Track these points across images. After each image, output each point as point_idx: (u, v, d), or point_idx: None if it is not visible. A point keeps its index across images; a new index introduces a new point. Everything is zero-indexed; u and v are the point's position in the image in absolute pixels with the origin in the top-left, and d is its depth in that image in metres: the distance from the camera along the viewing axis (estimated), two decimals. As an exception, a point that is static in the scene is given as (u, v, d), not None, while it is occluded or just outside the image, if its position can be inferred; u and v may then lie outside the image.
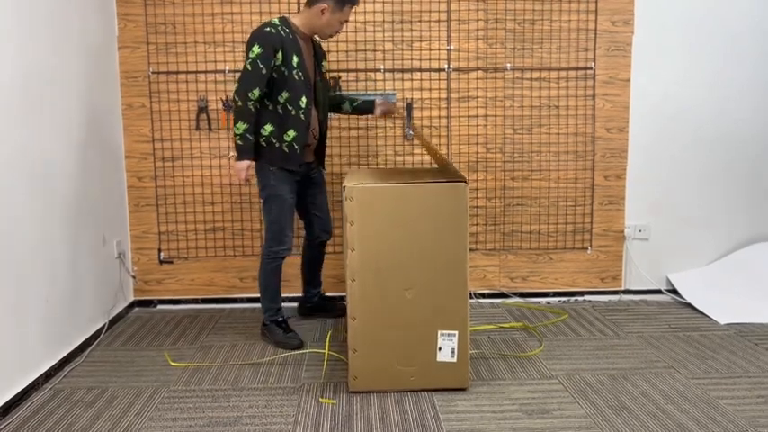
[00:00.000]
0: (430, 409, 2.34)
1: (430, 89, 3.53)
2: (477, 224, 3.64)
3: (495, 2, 3.50)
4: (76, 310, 2.92)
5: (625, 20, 3.52)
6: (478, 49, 3.53)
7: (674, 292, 3.65)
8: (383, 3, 3.47)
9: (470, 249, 3.60)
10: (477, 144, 3.59)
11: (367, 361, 2.44)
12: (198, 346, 3.01)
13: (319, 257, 3.32)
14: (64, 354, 2.77)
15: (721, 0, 3.53)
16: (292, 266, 3.57)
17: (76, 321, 2.91)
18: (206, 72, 3.48)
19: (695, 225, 3.69)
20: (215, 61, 3.47)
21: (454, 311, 2.42)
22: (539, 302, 3.64)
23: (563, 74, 3.55)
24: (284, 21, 2.84)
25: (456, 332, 2.43)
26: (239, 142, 2.78)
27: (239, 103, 2.75)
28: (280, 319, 3.02)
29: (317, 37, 2.98)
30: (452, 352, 2.44)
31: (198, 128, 3.51)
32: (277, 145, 2.86)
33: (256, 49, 2.73)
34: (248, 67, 2.74)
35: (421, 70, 3.51)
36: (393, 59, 3.51)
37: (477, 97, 3.56)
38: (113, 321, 3.29)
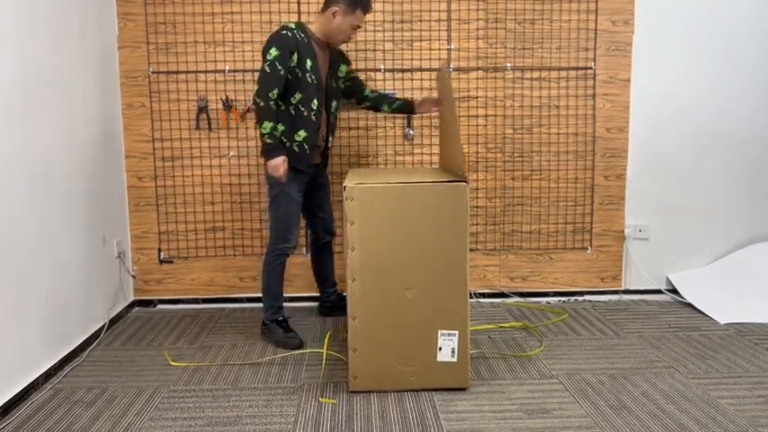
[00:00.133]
0: (430, 408, 2.34)
1: (430, 89, 3.53)
2: (477, 224, 3.64)
3: (496, 2, 3.49)
4: (76, 309, 2.92)
5: (625, 20, 3.52)
6: (479, 48, 3.53)
7: (674, 291, 3.65)
8: (383, 2, 3.47)
9: (471, 249, 3.60)
10: (477, 144, 3.59)
11: (367, 361, 2.44)
12: (198, 345, 3.01)
13: (328, 257, 3.34)
14: (64, 353, 2.77)
15: (721, 0, 3.53)
16: (295, 267, 3.57)
17: (77, 321, 2.91)
18: (206, 72, 3.48)
19: (695, 225, 3.69)
20: (215, 61, 3.47)
21: (454, 311, 2.42)
22: (539, 302, 3.64)
23: (563, 74, 3.55)
24: (300, 26, 2.89)
25: (456, 332, 2.43)
26: (268, 141, 2.79)
27: (261, 104, 2.78)
28: (280, 318, 3.02)
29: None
30: (453, 352, 2.44)
31: (198, 127, 3.51)
32: (288, 144, 2.89)
33: (274, 52, 2.77)
34: (267, 68, 2.77)
35: (421, 70, 3.51)
36: (393, 59, 3.51)
37: (478, 97, 3.56)
38: (113, 321, 3.29)
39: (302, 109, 2.88)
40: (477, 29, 3.51)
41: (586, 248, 3.68)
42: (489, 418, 2.26)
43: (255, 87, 2.80)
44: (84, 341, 2.96)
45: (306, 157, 2.92)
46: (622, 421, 2.22)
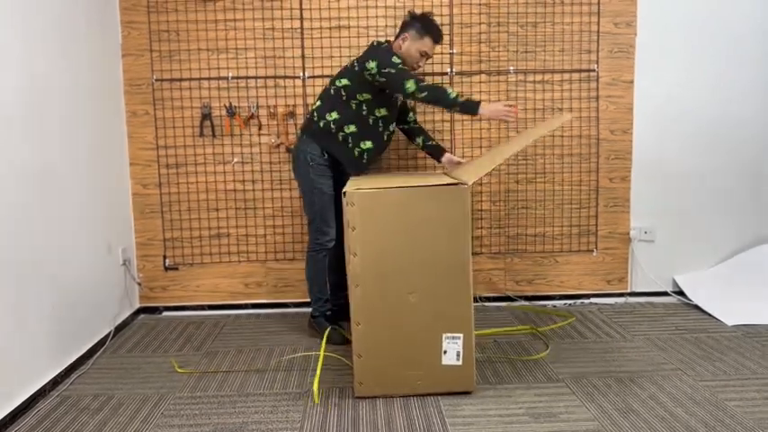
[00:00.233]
0: (436, 413, 2.33)
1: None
2: (481, 227, 3.64)
3: (498, 5, 3.50)
4: (82, 317, 2.92)
5: (628, 21, 3.52)
6: (481, 52, 3.53)
7: (681, 293, 3.64)
8: (385, 7, 3.47)
9: (475, 253, 3.60)
10: (480, 147, 3.58)
11: (372, 366, 2.44)
12: (203, 352, 3.01)
13: (343, 260, 3.27)
14: (70, 361, 2.77)
15: (724, 2, 3.52)
16: (296, 273, 3.57)
17: (82, 329, 2.92)
18: (209, 79, 3.49)
19: (701, 226, 3.67)
20: (218, 68, 3.48)
21: (458, 314, 2.41)
22: (545, 305, 3.63)
23: (566, 76, 3.55)
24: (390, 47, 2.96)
25: (461, 335, 2.42)
26: (463, 101, 2.78)
27: (425, 90, 2.75)
28: (328, 313, 3.11)
29: None
30: (458, 355, 2.43)
31: (202, 134, 3.52)
32: (350, 145, 2.96)
33: (397, 59, 2.82)
34: (402, 68, 2.80)
35: (424, 74, 3.51)
36: (396, 64, 3.51)
37: (481, 101, 3.54)
38: (119, 328, 3.30)
39: (380, 125, 2.97)
40: (480, 32, 3.52)
41: (592, 251, 3.67)
42: (496, 422, 2.25)
43: (407, 84, 2.76)
44: (91, 348, 2.96)
45: (362, 165, 3.01)
46: (630, 425, 2.21)
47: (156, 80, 3.49)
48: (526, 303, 3.65)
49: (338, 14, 3.47)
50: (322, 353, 2.71)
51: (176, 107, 3.51)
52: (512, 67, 3.54)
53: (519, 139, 2.79)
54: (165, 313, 3.62)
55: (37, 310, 2.53)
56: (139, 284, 3.60)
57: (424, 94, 2.76)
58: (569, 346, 2.99)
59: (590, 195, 3.63)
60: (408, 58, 2.93)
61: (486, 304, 3.64)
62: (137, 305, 3.59)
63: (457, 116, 3.54)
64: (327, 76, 3.40)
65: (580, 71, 3.55)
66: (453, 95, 2.76)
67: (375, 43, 2.97)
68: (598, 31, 3.53)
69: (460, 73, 3.53)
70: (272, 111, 3.51)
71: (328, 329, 3.00)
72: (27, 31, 2.53)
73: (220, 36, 3.47)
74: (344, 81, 2.94)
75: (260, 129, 3.52)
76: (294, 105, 3.50)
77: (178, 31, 3.46)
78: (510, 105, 2.79)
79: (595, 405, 2.37)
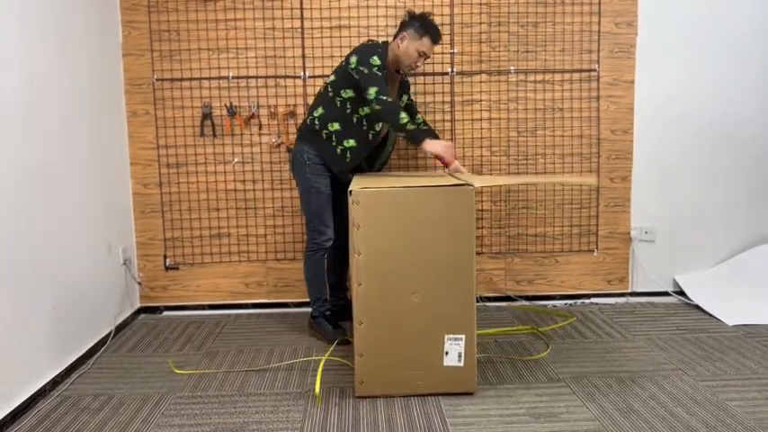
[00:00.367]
0: (437, 413, 2.33)
1: (434, 93, 3.53)
2: (482, 227, 3.64)
3: (498, 5, 3.50)
4: (83, 317, 2.92)
5: (628, 21, 3.52)
6: (482, 52, 3.53)
7: (682, 293, 3.63)
8: (386, 7, 3.47)
9: (476, 253, 3.59)
10: (481, 147, 3.58)
11: (373, 365, 2.43)
12: (204, 352, 3.01)
13: (343, 261, 3.26)
14: (71, 361, 2.77)
15: (724, 2, 3.52)
16: (298, 273, 3.57)
17: (83, 328, 2.92)
18: (210, 78, 3.49)
19: (701, 226, 3.67)
20: (219, 68, 3.48)
21: (461, 315, 2.41)
22: (545, 305, 3.63)
23: (567, 76, 3.55)
24: (385, 47, 2.94)
25: (463, 336, 2.42)
26: (410, 129, 2.75)
27: (381, 105, 2.74)
28: (328, 313, 3.09)
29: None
30: (459, 356, 2.43)
31: (202, 134, 3.52)
32: (333, 143, 2.94)
33: (377, 60, 2.80)
34: (377, 72, 2.78)
35: (424, 74, 3.51)
36: (396, 64, 3.51)
37: (481, 100, 3.55)
38: (120, 328, 3.30)
39: (364, 124, 2.94)
40: (480, 32, 3.51)
41: (592, 251, 3.67)
42: (497, 422, 2.25)
43: (371, 89, 2.75)
44: (91, 348, 2.96)
45: (344, 163, 2.99)
46: (630, 425, 2.21)
47: (157, 80, 3.48)
48: (527, 303, 3.65)
49: (338, 14, 3.47)
50: (325, 357, 2.71)
51: (177, 107, 3.51)
52: (512, 67, 3.54)
53: (536, 177, 2.78)
54: (166, 313, 3.62)
55: (37, 309, 2.53)
56: (140, 284, 3.59)
57: (378, 107, 2.76)
58: (570, 346, 2.98)
59: (591, 195, 3.63)
60: (406, 58, 2.92)
61: (487, 304, 3.64)
62: (137, 305, 3.59)
63: (457, 117, 3.54)
64: (328, 76, 3.39)
65: (581, 71, 3.55)
66: (404, 121, 2.74)
67: (368, 41, 2.97)
68: (599, 31, 3.53)
69: (461, 73, 3.53)
70: (272, 110, 3.51)
71: (338, 340, 2.99)
72: (27, 32, 2.52)
73: (221, 36, 3.47)
74: (332, 77, 2.95)
75: (260, 128, 3.52)
76: (294, 105, 3.50)
77: (179, 30, 3.46)
78: (450, 146, 2.81)
79: (596, 405, 2.37)
